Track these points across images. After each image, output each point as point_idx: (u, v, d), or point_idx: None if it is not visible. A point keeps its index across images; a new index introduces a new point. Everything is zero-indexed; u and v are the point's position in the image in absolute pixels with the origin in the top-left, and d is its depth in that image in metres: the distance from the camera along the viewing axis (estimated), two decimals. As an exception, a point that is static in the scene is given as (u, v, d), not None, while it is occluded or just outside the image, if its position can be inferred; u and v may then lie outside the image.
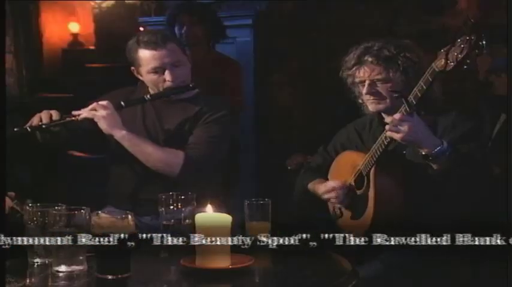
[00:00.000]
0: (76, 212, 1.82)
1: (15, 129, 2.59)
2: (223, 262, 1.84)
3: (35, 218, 1.89)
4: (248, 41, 4.68)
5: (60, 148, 3.45)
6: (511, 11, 2.26)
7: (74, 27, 7.01)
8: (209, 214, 1.89)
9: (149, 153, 2.64)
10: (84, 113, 2.64)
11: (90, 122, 2.68)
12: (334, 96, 2.93)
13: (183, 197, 2.12)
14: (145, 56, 2.71)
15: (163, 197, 2.14)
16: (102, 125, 2.62)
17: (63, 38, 6.98)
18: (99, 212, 1.89)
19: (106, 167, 2.90)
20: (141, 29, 5.87)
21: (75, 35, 7.03)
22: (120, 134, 2.63)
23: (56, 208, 1.85)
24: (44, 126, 2.61)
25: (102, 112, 2.61)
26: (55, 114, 2.64)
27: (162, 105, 2.79)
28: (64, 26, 6.96)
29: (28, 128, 2.61)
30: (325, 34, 4.54)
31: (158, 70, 2.71)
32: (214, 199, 2.04)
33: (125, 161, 2.77)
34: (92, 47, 7.08)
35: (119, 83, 2.92)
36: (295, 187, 2.83)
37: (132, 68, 2.80)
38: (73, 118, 2.64)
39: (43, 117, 2.63)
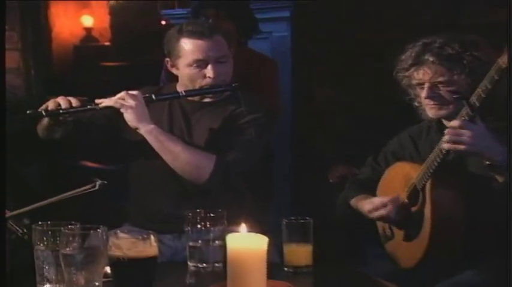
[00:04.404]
0: (91, 231, 1.82)
1: (28, 112, 2.60)
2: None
3: (44, 238, 1.89)
4: (285, 36, 4.68)
5: (64, 147, 3.46)
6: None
7: (87, 20, 7.08)
8: (242, 235, 1.88)
9: (177, 152, 2.63)
10: (109, 101, 2.63)
11: (109, 116, 2.70)
12: (384, 98, 2.92)
13: (212, 214, 2.12)
14: (188, 46, 2.72)
15: (190, 214, 2.13)
16: (129, 117, 2.61)
17: (74, 33, 7.05)
18: (118, 231, 1.90)
19: (123, 179, 2.92)
20: (163, 22, 5.93)
21: (88, 30, 7.09)
22: (148, 128, 2.62)
23: (69, 226, 1.85)
24: (62, 111, 2.61)
25: (130, 102, 2.60)
26: (75, 102, 2.63)
27: (192, 105, 2.80)
28: (76, 20, 7.03)
29: (43, 112, 2.61)
30: (374, 28, 4.51)
31: (200, 64, 2.72)
32: (247, 217, 2.03)
33: (145, 172, 2.79)
34: (107, 43, 7.15)
35: (137, 83, 2.94)
36: (337, 204, 2.82)
37: (167, 59, 2.82)
38: (96, 106, 2.63)
39: (61, 102, 2.62)
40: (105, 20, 7.14)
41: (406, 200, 2.55)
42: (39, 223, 1.92)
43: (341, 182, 3.15)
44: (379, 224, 2.64)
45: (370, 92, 4.42)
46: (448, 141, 2.27)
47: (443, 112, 2.49)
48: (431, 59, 2.45)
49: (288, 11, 4.67)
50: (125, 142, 2.82)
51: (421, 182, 2.46)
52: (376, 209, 2.58)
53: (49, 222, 1.91)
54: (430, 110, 2.51)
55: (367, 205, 2.62)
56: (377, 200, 2.59)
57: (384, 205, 2.55)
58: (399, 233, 2.58)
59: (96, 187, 2.11)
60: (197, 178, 2.64)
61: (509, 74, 2.13)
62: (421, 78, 2.49)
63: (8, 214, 2.23)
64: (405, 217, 2.53)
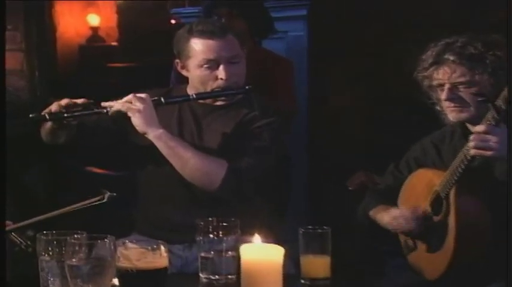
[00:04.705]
0: (99, 241, 1.82)
1: (31, 115, 2.60)
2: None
3: (49, 249, 1.89)
4: (301, 36, 4.68)
5: (68, 152, 3.47)
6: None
7: (94, 19, 7.10)
8: (257, 245, 1.88)
9: (187, 158, 2.63)
10: (116, 105, 2.62)
11: (116, 119, 2.70)
12: (405, 102, 2.91)
13: (225, 223, 2.11)
14: (199, 46, 2.72)
15: (201, 223, 2.13)
16: (137, 121, 2.60)
17: (80, 32, 7.08)
18: (127, 241, 1.90)
19: (131, 186, 2.92)
20: (173, 21, 5.95)
21: (94, 29, 7.12)
22: (157, 133, 2.62)
23: (75, 236, 1.85)
24: (66, 114, 2.62)
25: (138, 105, 2.60)
26: (79, 104, 2.63)
27: (203, 108, 2.81)
28: (82, 19, 7.06)
29: (47, 115, 2.61)
30: (394, 27, 4.51)
31: (211, 64, 2.72)
32: (261, 226, 2.03)
33: (154, 179, 2.79)
34: (114, 43, 7.17)
35: (146, 85, 2.94)
36: (357, 213, 2.82)
37: (177, 61, 2.82)
38: (102, 110, 2.63)
39: (66, 105, 2.62)
40: (112, 19, 7.16)
41: (428, 209, 2.54)
42: (44, 232, 1.92)
43: (361, 190, 3.14)
44: (401, 235, 2.63)
45: (391, 95, 4.41)
46: (474, 147, 2.26)
47: (464, 115, 2.48)
48: (451, 58, 2.45)
49: (304, 10, 4.66)
50: (132, 147, 2.83)
51: (445, 190, 2.45)
52: (396, 221, 2.57)
53: (54, 231, 1.91)
54: (450, 113, 2.51)
55: (386, 217, 2.62)
56: (396, 212, 2.58)
57: (404, 218, 2.54)
58: (422, 244, 2.57)
59: (105, 199, 2.12)
60: (208, 185, 2.64)
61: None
62: (440, 79, 2.49)
63: (12, 226, 2.24)
64: (428, 227, 2.53)
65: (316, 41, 4.73)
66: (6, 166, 2.25)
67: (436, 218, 2.50)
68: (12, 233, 2.24)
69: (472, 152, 2.28)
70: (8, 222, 2.30)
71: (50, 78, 5.34)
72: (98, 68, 6.78)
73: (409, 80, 2.61)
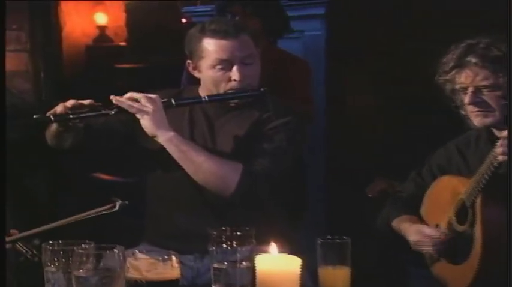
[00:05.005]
0: (107, 251, 1.83)
1: (35, 116, 2.59)
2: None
3: (56, 259, 1.90)
4: (319, 36, 4.68)
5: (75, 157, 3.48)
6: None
7: (101, 18, 7.12)
8: (273, 256, 1.88)
9: (200, 162, 2.63)
10: (124, 104, 2.61)
11: (124, 122, 2.71)
12: (428, 106, 2.91)
13: (239, 232, 2.11)
14: (211, 46, 2.73)
15: (214, 232, 2.13)
16: (146, 123, 2.60)
17: (87, 32, 7.10)
18: (137, 251, 1.90)
19: (140, 192, 2.93)
20: (184, 20, 5.96)
21: (102, 29, 7.13)
22: (168, 136, 2.62)
23: (83, 246, 1.86)
24: (72, 116, 2.61)
25: (148, 107, 2.60)
26: (86, 106, 2.62)
27: (216, 109, 2.81)
28: (88, 18, 7.08)
29: (51, 116, 2.60)
30: (416, 27, 4.50)
31: (224, 65, 2.73)
32: (277, 235, 2.03)
33: (164, 185, 2.80)
34: (122, 43, 7.18)
35: (156, 87, 2.95)
36: (377, 223, 2.81)
37: (189, 61, 2.83)
38: (109, 111, 2.62)
39: (71, 107, 2.62)
40: (121, 18, 7.17)
41: (453, 219, 2.53)
42: (50, 242, 1.92)
43: (381, 198, 3.14)
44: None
45: (413, 98, 4.40)
46: (502, 154, 2.26)
47: (489, 120, 2.48)
48: (474, 60, 2.45)
49: (322, 8, 4.67)
50: (141, 151, 2.83)
51: (470, 198, 2.45)
52: (421, 242, 2.57)
53: (60, 241, 1.92)
54: (475, 118, 2.51)
55: (413, 235, 2.62)
56: (426, 232, 2.57)
57: (433, 240, 2.53)
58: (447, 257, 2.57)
59: (116, 208, 2.13)
60: (222, 190, 2.65)
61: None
62: (463, 82, 2.49)
63: (17, 235, 2.25)
64: (453, 239, 2.52)
65: (334, 41, 4.73)
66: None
67: (461, 228, 2.49)
68: (18, 243, 2.26)
69: (500, 158, 2.27)
70: (13, 231, 2.32)
71: (56, 80, 5.36)
72: (105, 69, 6.79)
73: (432, 82, 2.61)
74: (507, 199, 2.19)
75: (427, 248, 2.57)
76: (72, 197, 4.93)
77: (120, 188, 5.26)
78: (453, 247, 2.52)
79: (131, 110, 2.60)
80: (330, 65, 4.72)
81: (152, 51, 6.61)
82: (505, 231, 2.36)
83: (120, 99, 2.60)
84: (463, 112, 2.57)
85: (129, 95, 2.62)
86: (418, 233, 2.60)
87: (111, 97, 2.61)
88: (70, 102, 2.62)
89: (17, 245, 2.30)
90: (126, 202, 2.16)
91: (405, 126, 4.57)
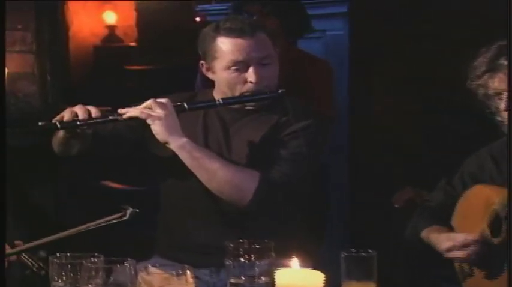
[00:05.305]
0: (118, 265, 1.83)
1: (40, 123, 2.60)
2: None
3: (63, 273, 1.89)
4: (341, 35, 4.69)
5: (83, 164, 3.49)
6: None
7: (110, 17, 7.16)
8: (294, 270, 1.87)
9: (215, 170, 2.62)
10: (134, 111, 2.62)
11: (134, 128, 2.72)
12: (459, 109, 2.89)
13: (257, 245, 2.11)
14: (226, 46, 2.73)
15: (231, 245, 2.13)
16: (158, 129, 2.59)
17: (95, 31, 7.15)
18: (149, 265, 1.90)
19: (151, 202, 2.93)
20: (198, 19, 5.98)
21: (111, 28, 7.18)
22: (180, 142, 2.61)
23: (92, 259, 1.86)
24: (79, 123, 2.61)
25: (159, 112, 2.59)
26: (94, 112, 2.62)
27: (231, 113, 2.81)
28: (97, 17, 7.11)
29: (58, 123, 2.61)
30: (445, 27, 4.49)
31: (240, 66, 2.72)
32: (298, 249, 2.02)
33: (177, 194, 2.80)
34: (132, 44, 7.22)
35: (168, 90, 2.96)
36: (405, 234, 2.80)
37: (202, 62, 2.83)
38: (119, 117, 2.62)
39: (79, 113, 2.62)
40: (131, 17, 7.21)
41: (487, 231, 2.52)
42: (57, 254, 1.93)
43: (408, 208, 3.12)
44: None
45: (442, 102, 4.38)
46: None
47: (525, 126, 2.47)
48: (506, 63, 2.44)
49: (344, 6, 4.67)
50: (152, 159, 2.83)
51: (505, 209, 2.44)
52: (456, 248, 2.56)
53: (68, 254, 1.92)
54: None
55: (444, 242, 2.60)
56: (457, 238, 2.56)
57: (466, 245, 2.52)
58: (480, 270, 2.55)
59: (127, 216, 2.12)
60: (238, 200, 2.64)
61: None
62: (496, 87, 2.49)
63: (22, 246, 2.26)
64: (486, 251, 2.51)
65: (357, 41, 4.73)
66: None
67: (495, 241, 2.48)
68: (23, 254, 2.26)
69: None
70: (18, 242, 2.33)
71: (63, 83, 5.37)
72: (114, 70, 6.82)
73: (463, 85, 2.60)
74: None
75: (459, 255, 2.55)
76: (80, 206, 4.94)
77: (130, 196, 5.28)
78: (487, 257, 2.50)
79: (141, 116, 2.60)
80: (353, 66, 4.72)
81: (164, 52, 6.64)
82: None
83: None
84: (498, 118, 2.56)
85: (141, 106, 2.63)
86: (449, 240, 2.59)
87: (120, 110, 2.63)
88: (77, 108, 2.63)
89: (22, 257, 2.30)
90: (137, 210, 2.16)
91: (434, 131, 4.55)
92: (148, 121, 2.60)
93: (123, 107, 2.65)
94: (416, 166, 4.47)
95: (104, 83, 6.64)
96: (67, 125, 2.62)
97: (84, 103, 2.67)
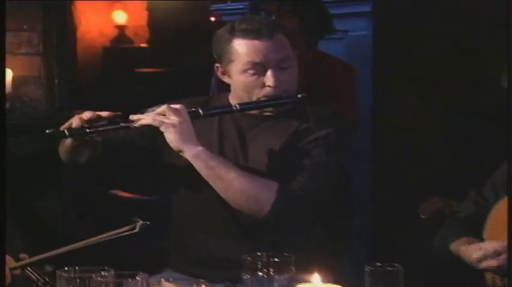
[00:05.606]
0: (129, 279, 1.83)
1: (48, 131, 2.60)
2: None
3: (72, 287, 1.91)
4: (365, 36, 4.68)
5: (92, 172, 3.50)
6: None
7: (120, 17, 7.18)
8: (315, 285, 1.87)
9: (231, 180, 2.63)
10: (146, 118, 2.62)
11: (146, 135, 2.72)
12: (491, 115, 2.88)
13: (276, 259, 2.11)
14: (242, 48, 2.72)
15: (249, 258, 2.13)
16: (171, 137, 2.59)
17: (104, 32, 7.16)
18: (162, 279, 1.91)
19: (163, 212, 2.94)
20: (212, 19, 5.99)
21: (121, 28, 7.19)
22: (195, 151, 2.61)
23: (102, 273, 1.86)
24: (89, 130, 2.62)
25: (173, 119, 2.59)
26: (104, 118, 2.63)
27: (248, 119, 2.82)
28: (106, 16, 7.13)
29: (66, 131, 2.61)
30: (474, 26, 4.48)
31: (257, 69, 2.72)
32: (320, 262, 2.02)
33: (191, 205, 2.81)
34: (143, 45, 7.23)
35: (181, 93, 2.96)
36: (433, 247, 2.80)
37: (217, 65, 2.83)
38: (130, 124, 2.63)
39: (88, 119, 2.63)
40: (142, 17, 7.22)
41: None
42: (65, 268, 1.93)
43: (436, 219, 3.11)
44: (489, 274, 2.61)
45: (473, 105, 4.37)
46: None
47: None
48: None
49: (368, 5, 4.67)
50: (164, 167, 2.84)
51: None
52: (487, 258, 2.55)
53: (77, 267, 1.92)
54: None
55: (475, 252, 2.60)
56: (488, 247, 2.56)
57: (497, 254, 2.52)
58: (512, 283, 2.55)
59: (137, 229, 2.13)
60: (256, 211, 2.64)
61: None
62: None
63: (27, 260, 2.27)
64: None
65: (382, 42, 4.72)
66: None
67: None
68: (28, 268, 2.27)
69: None
70: (23, 255, 2.34)
71: (70, 86, 5.39)
72: (124, 73, 6.83)
73: (495, 87, 2.59)
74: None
75: (491, 264, 2.54)
76: (88, 216, 4.96)
77: (141, 207, 5.28)
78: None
79: (154, 123, 2.60)
80: (377, 68, 4.71)
81: (177, 54, 6.65)
82: None
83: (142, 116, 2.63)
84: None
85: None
86: (480, 249, 2.58)
87: (131, 117, 2.63)
88: (86, 115, 2.63)
89: (27, 271, 2.31)
90: (148, 223, 2.16)
91: (464, 137, 4.54)
92: (162, 128, 2.60)
93: (134, 111, 2.66)
94: (445, 174, 4.45)
95: (114, 87, 6.65)
96: (76, 133, 2.62)
97: (93, 107, 2.68)
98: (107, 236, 2.16)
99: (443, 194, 3.54)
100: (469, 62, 4.40)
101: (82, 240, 2.24)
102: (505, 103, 2.60)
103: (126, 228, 2.14)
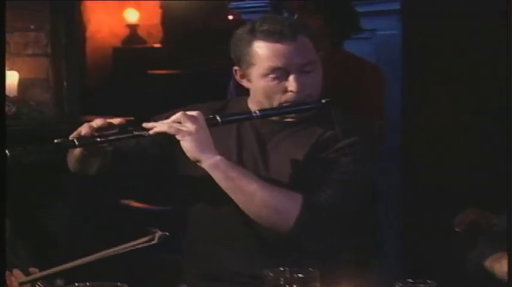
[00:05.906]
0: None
1: (56, 141, 2.59)
2: None
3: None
4: (394, 35, 4.69)
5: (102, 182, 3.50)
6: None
7: (132, 15, 7.20)
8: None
9: (252, 192, 2.61)
10: (161, 126, 2.61)
11: (161, 143, 2.73)
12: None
13: (300, 275, 2.11)
14: (264, 51, 2.71)
15: (271, 274, 2.13)
16: (188, 146, 2.58)
17: (115, 31, 7.19)
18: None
19: (178, 224, 2.93)
20: (231, 17, 6.00)
21: (132, 28, 7.22)
22: (213, 160, 2.60)
23: (115, 288, 1.87)
24: (99, 139, 2.61)
25: (189, 126, 2.58)
26: (116, 126, 2.62)
27: (269, 125, 2.81)
28: (117, 15, 7.16)
29: (75, 140, 2.60)
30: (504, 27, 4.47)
31: (279, 73, 2.71)
32: (346, 278, 2.01)
33: (208, 217, 2.80)
34: (156, 45, 7.25)
35: (196, 96, 2.96)
36: (468, 263, 2.78)
37: (236, 68, 2.82)
38: (143, 133, 2.62)
39: (99, 127, 2.61)
40: (155, 15, 7.25)
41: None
42: (76, 284, 1.93)
43: (471, 232, 3.10)
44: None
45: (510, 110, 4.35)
46: None
47: None
48: None
49: (397, 3, 4.67)
50: (180, 178, 2.84)
51: None
52: None
53: (88, 283, 1.92)
54: None
55: (504, 265, 2.58)
56: None
57: None
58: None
59: (155, 240, 2.12)
60: (279, 225, 2.63)
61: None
62: None
63: (38, 274, 2.27)
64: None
65: (412, 42, 4.72)
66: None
67: None
68: (38, 283, 2.28)
69: None
70: (32, 269, 2.34)
71: (80, 89, 5.40)
72: (136, 75, 6.85)
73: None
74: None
75: None
76: (98, 227, 4.97)
77: (154, 217, 5.29)
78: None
79: (170, 131, 2.59)
80: (406, 70, 4.71)
81: (192, 55, 6.66)
82: None
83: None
84: None
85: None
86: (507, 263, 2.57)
87: (145, 124, 2.62)
88: (97, 122, 2.62)
89: (37, 286, 2.32)
90: (167, 233, 2.16)
91: (501, 145, 4.52)
92: (178, 137, 2.59)
93: (146, 116, 2.66)
94: (481, 184, 4.43)
95: (125, 89, 6.67)
96: (86, 142, 2.61)
97: (103, 111, 2.68)
98: (124, 248, 2.15)
99: (480, 206, 3.52)
100: (505, 61, 4.38)
101: (92, 253, 2.24)
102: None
103: (144, 239, 2.13)
